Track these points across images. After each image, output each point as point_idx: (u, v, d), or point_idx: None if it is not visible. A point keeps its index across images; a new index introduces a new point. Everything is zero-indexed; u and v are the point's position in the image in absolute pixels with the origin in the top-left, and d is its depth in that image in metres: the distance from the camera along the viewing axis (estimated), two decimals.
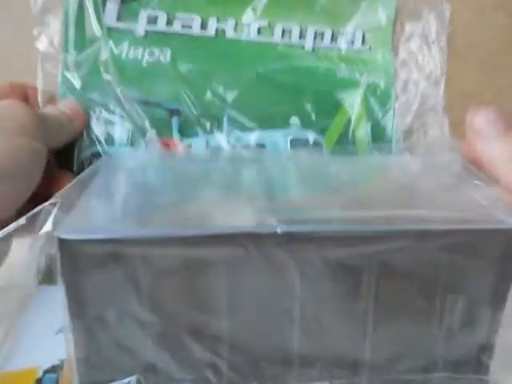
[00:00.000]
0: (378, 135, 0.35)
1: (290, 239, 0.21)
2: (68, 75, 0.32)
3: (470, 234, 0.22)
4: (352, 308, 0.23)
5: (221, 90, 0.33)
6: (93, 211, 0.23)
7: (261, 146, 0.32)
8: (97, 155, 0.31)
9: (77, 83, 0.32)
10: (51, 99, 0.32)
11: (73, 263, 0.21)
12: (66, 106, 0.31)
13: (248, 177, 0.28)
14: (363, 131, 0.34)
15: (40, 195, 0.29)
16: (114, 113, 0.32)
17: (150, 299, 0.22)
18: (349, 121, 0.34)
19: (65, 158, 0.31)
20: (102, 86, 0.32)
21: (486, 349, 0.24)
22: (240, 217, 0.22)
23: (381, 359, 0.24)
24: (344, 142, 0.34)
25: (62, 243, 0.20)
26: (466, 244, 0.22)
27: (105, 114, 0.32)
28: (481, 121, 0.28)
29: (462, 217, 0.23)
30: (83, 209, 0.23)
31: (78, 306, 0.22)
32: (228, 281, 0.22)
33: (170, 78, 0.33)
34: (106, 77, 0.32)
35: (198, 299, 0.22)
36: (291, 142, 0.32)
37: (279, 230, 0.21)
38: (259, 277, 0.22)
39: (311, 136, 0.33)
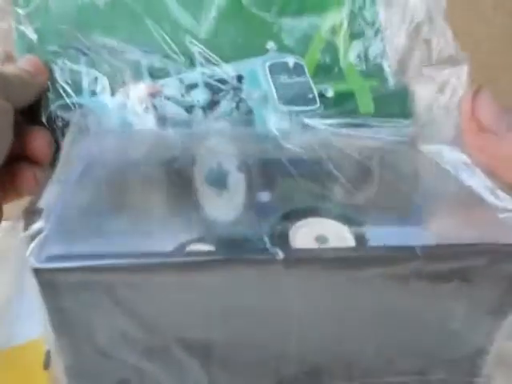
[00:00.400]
0: (370, 57, 0.32)
1: (290, 263, 0.20)
2: (22, 29, 0.30)
3: (485, 255, 0.21)
4: (350, 317, 0.22)
5: (191, 24, 0.31)
6: (68, 226, 0.22)
7: (238, 77, 0.30)
8: (65, 107, 0.29)
9: (33, 36, 0.30)
10: (9, 59, 0.30)
11: (51, 288, 0.20)
12: (25, 62, 0.29)
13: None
14: (352, 54, 0.32)
15: (15, 157, 0.27)
16: (78, 62, 0.30)
17: (136, 316, 0.21)
18: (328, 43, 0.31)
19: (32, 115, 0.29)
20: (60, 35, 0.30)
21: (483, 353, 0.23)
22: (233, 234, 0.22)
23: (377, 363, 0.24)
24: (330, 66, 0.31)
25: (37, 271, 0.19)
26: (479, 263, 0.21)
27: (69, 65, 0.30)
28: (487, 114, 0.23)
29: (476, 236, 0.21)
30: (58, 223, 0.21)
31: (61, 324, 0.21)
32: (221, 298, 0.21)
33: (133, 17, 0.30)
34: (63, 25, 0.30)
35: (188, 315, 0.21)
36: (270, 67, 0.30)
37: (280, 256, 0.20)
38: (254, 292, 0.21)
39: (291, 59, 0.30)
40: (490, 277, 0.21)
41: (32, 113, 0.29)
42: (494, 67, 0.49)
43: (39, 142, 0.28)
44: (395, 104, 0.30)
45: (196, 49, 0.30)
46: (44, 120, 0.29)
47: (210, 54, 0.30)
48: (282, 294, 0.21)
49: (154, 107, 0.29)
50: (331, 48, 0.32)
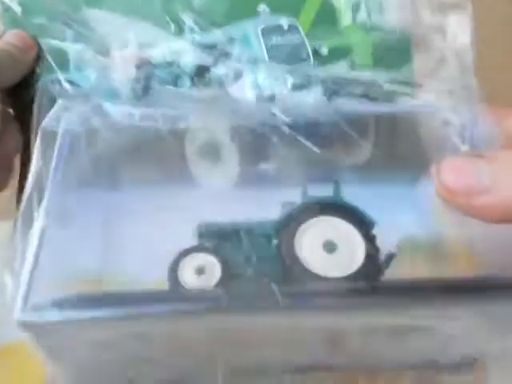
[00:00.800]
0: (370, 11, 0.30)
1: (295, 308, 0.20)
2: (7, 2, 0.29)
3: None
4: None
5: None
6: (52, 268, 0.21)
7: (229, 40, 0.28)
8: (54, 82, 0.28)
9: (17, 9, 0.29)
10: None
11: (39, 334, 0.20)
12: (13, 37, 0.28)
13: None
14: (350, 12, 0.30)
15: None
16: (64, 36, 0.29)
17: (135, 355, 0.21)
18: (324, 2, 0.30)
19: (18, 92, 0.28)
20: (46, 8, 0.29)
21: (482, 354, 0.23)
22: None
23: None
24: (326, 26, 0.30)
25: (23, 324, 0.19)
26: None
27: (56, 41, 0.29)
28: (450, 178, 0.19)
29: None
30: (39, 266, 0.20)
31: (52, 355, 0.21)
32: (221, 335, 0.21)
33: None
34: None
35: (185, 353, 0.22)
36: (263, 31, 0.28)
37: (281, 303, 0.19)
38: (253, 326, 0.21)
39: (284, 21, 0.29)
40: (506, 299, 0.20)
41: (18, 90, 0.28)
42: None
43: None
44: (396, 55, 0.28)
45: (185, 15, 0.29)
46: (30, 97, 0.28)
47: (200, 19, 0.29)
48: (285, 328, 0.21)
49: (142, 77, 0.28)
50: (327, 7, 0.30)
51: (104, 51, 0.28)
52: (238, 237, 0.22)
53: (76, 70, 0.28)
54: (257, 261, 0.21)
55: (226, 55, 0.28)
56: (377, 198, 0.23)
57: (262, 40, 0.28)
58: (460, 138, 0.23)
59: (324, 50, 0.28)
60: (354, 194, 0.23)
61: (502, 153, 0.19)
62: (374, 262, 0.21)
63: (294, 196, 0.23)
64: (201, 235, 0.23)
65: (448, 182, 0.19)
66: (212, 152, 0.27)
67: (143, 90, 0.27)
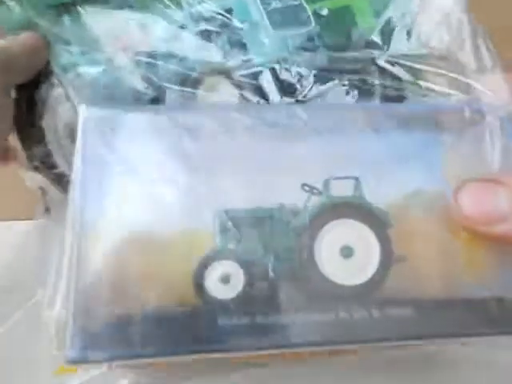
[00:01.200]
0: None
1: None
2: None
3: None
4: None
5: None
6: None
7: (227, 11, 0.27)
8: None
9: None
10: None
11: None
12: (28, 37, 0.28)
13: None
14: None
15: None
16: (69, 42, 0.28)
17: None
18: None
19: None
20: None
21: None
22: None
23: None
24: None
25: (70, 361, 0.20)
26: None
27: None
28: (468, 204, 0.19)
29: None
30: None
31: None
32: None
33: None
34: None
35: None
36: None
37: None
38: None
39: None
40: None
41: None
42: None
43: None
44: None
45: None
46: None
47: None
48: None
49: (147, 64, 0.27)
50: None
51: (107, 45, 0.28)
52: (259, 224, 0.22)
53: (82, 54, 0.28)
54: (277, 267, 0.22)
55: (225, 27, 0.26)
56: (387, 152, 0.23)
57: (260, 5, 0.26)
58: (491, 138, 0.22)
59: (325, 11, 0.27)
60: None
61: None
62: (387, 267, 0.22)
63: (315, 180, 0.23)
64: (222, 222, 0.23)
65: (465, 209, 0.19)
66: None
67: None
